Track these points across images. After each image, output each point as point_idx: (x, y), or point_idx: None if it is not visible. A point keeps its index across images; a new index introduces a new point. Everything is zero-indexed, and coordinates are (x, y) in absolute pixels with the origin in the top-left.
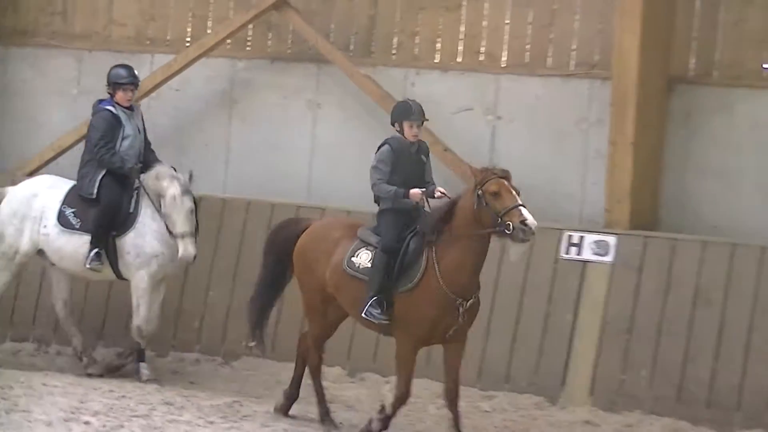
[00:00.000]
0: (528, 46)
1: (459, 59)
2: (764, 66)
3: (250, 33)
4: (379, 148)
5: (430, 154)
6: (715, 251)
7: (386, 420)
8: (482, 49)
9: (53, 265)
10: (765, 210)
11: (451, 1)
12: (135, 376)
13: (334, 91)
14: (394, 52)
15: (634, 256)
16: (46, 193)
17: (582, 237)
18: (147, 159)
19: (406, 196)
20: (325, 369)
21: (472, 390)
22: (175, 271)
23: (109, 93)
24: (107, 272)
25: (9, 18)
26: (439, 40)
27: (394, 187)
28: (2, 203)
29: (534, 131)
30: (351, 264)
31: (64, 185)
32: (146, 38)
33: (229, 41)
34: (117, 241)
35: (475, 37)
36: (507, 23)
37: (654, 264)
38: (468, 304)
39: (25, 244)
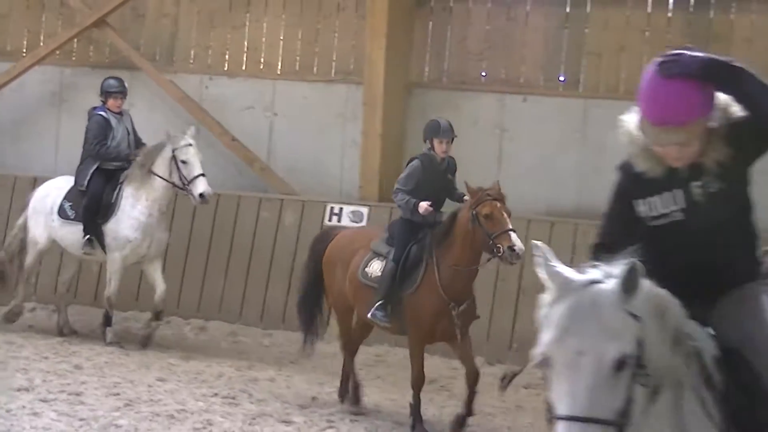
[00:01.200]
0: (298, 58)
1: (243, 67)
2: (483, 74)
3: (75, 45)
4: (409, 162)
5: (456, 172)
6: None
7: (416, 409)
8: (262, 60)
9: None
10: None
11: (237, 21)
12: (102, 337)
13: (143, 93)
14: (191, 61)
15: (381, 222)
16: (55, 192)
17: (341, 208)
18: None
19: (417, 206)
20: (138, 314)
21: (255, 329)
22: (157, 252)
23: (101, 100)
24: (101, 255)
25: None
26: (227, 52)
27: (407, 198)
28: (30, 202)
29: (303, 125)
30: (364, 274)
31: (70, 184)
32: None
33: (58, 52)
34: (103, 228)
35: (256, 50)
36: (281, 39)
37: None
38: (460, 309)
39: (41, 235)
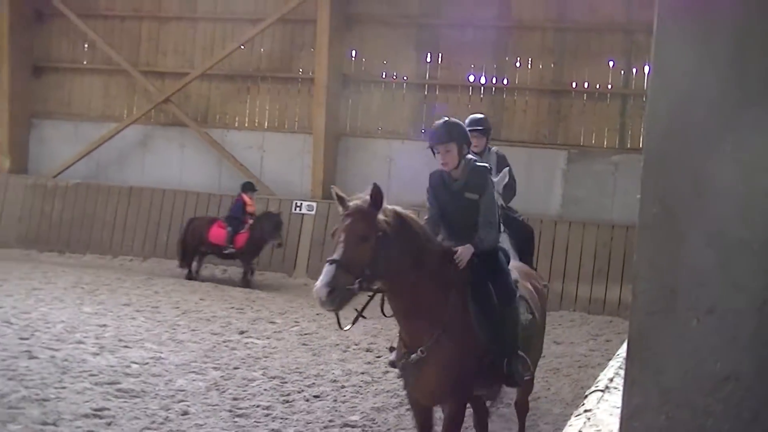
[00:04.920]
0: (276, 119)
1: (246, 125)
2: (378, 128)
3: (152, 113)
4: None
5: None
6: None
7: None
8: (256, 120)
9: None
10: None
11: (242, 99)
12: None
13: (191, 139)
14: (217, 121)
15: (323, 211)
16: None
17: (301, 203)
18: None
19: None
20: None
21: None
22: None
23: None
24: None
25: None
26: (237, 116)
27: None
28: None
29: (280, 157)
30: None
31: None
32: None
33: (143, 116)
34: None
35: (253, 114)
36: (267, 109)
37: (332, 215)
38: (412, 357)
39: None
